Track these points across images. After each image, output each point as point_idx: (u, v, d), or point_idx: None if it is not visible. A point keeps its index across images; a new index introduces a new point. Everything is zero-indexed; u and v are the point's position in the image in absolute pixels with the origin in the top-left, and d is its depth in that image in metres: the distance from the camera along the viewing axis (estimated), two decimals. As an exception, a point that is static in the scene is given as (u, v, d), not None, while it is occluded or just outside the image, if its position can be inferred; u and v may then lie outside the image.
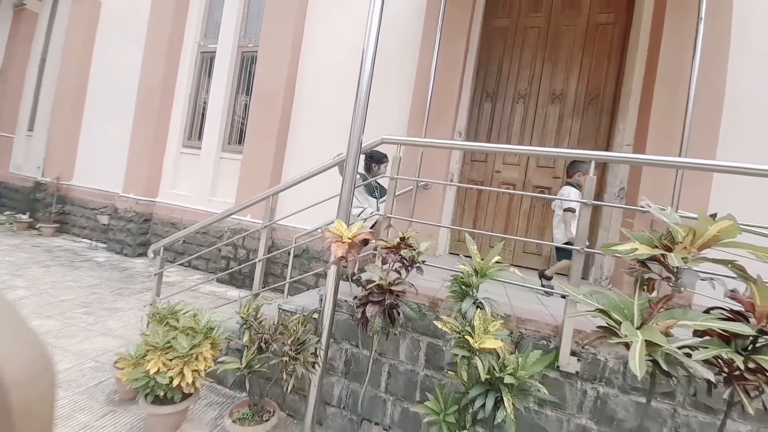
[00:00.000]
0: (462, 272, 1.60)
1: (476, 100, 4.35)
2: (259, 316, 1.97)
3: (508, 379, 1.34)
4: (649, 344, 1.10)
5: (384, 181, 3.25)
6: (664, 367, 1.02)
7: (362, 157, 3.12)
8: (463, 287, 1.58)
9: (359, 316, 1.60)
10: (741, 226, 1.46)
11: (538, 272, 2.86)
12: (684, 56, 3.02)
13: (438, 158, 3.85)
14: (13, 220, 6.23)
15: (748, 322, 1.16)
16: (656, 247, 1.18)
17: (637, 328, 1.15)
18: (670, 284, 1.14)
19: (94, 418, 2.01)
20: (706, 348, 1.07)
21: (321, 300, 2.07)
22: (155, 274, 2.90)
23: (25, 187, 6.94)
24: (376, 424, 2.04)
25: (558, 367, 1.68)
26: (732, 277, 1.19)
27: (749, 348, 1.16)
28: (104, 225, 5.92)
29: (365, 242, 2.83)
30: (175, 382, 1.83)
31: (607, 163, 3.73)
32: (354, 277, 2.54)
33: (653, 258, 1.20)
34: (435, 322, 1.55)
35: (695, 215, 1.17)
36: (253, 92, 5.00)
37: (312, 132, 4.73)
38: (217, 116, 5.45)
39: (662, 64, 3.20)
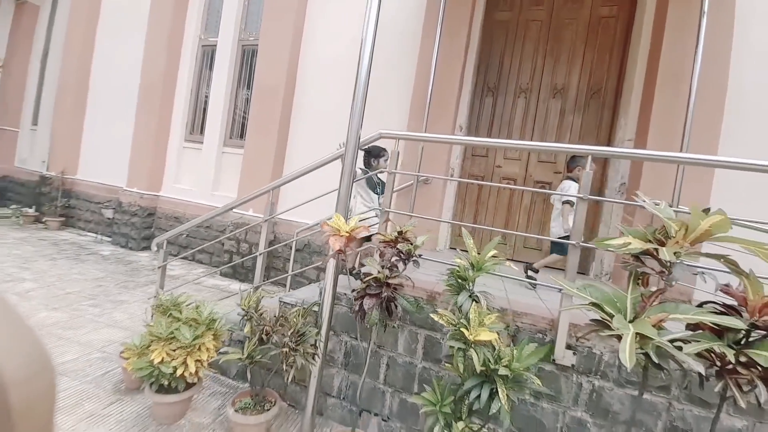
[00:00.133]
0: (458, 266, 1.62)
1: (477, 94, 4.33)
2: (259, 308, 2.01)
3: (502, 371, 1.37)
4: (642, 337, 1.12)
5: (385, 177, 3.26)
6: (655, 359, 1.04)
7: (361, 153, 3.14)
8: (460, 281, 1.60)
9: (357, 308, 1.63)
10: (732, 221, 1.47)
11: (525, 265, 2.85)
12: (686, 51, 2.99)
13: (438, 153, 3.85)
14: (19, 214, 6.32)
15: (741, 316, 1.18)
16: (649, 241, 1.19)
17: (630, 322, 1.17)
18: (663, 278, 1.15)
19: (101, 407, 2.07)
20: (697, 341, 1.09)
21: (321, 293, 2.10)
22: (158, 267, 2.95)
23: (31, 181, 7.02)
24: (376, 414, 2.09)
25: (554, 360, 1.70)
26: (726, 272, 1.20)
27: (742, 342, 1.17)
28: (109, 219, 5.99)
29: (367, 238, 2.86)
30: (179, 372, 1.88)
31: (607, 158, 3.72)
32: (354, 271, 2.58)
33: (647, 252, 1.21)
34: (432, 314, 1.57)
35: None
36: (253, 86, 5.01)
37: (313, 126, 4.74)
38: (219, 110, 5.47)
39: (664, 58, 3.17)
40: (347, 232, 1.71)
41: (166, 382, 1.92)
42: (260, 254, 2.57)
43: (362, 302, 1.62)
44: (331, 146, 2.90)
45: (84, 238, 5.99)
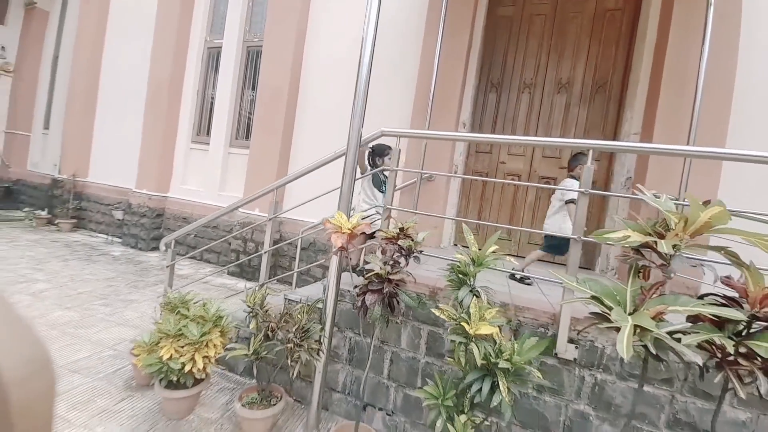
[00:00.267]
0: (459, 262, 1.64)
1: (481, 90, 4.32)
2: (264, 305, 2.04)
3: (503, 364, 1.38)
4: (642, 330, 1.12)
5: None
6: (653, 350, 1.04)
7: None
8: (461, 276, 1.61)
9: (359, 304, 1.65)
10: (736, 213, 1.46)
11: (509, 275, 2.67)
12: (693, 43, 2.94)
13: (442, 150, 3.86)
14: (32, 216, 6.47)
15: (742, 307, 1.17)
16: (649, 234, 1.19)
17: (630, 314, 1.17)
18: (663, 271, 1.15)
19: (112, 402, 2.12)
20: (696, 333, 1.09)
21: (325, 290, 2.13)
22: (167, 266, 3.01)
23: (43, 184, 7.18)
24: (380, 409, 2.11)
25: (556, 354, 1.71)
26: (727, 264, 1.19)
27: (743, 333, 1.17)
28: (119, 220, 6.10)
29: (371, 235, 2.89)
30: (187, 368, 1.92)
31: (612, 152, 3.69)
32: (358, 268, 2.60)
33: (647, 245, 1.21)
34: (433, 310, 1.59)
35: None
36: (258, 87, 5.05)
37: (317, 125, 4.77)
38: (225, 111, 5.54)
39: (671, 51, 3.13)
40: (349, 229, 1.73)
41: (174, 378, 1.97)
42: (265, 253, 2.60)
43: (364, 298, 1.64)
44: (335, 145, 2.92)
45: (95, 239, 6.12)
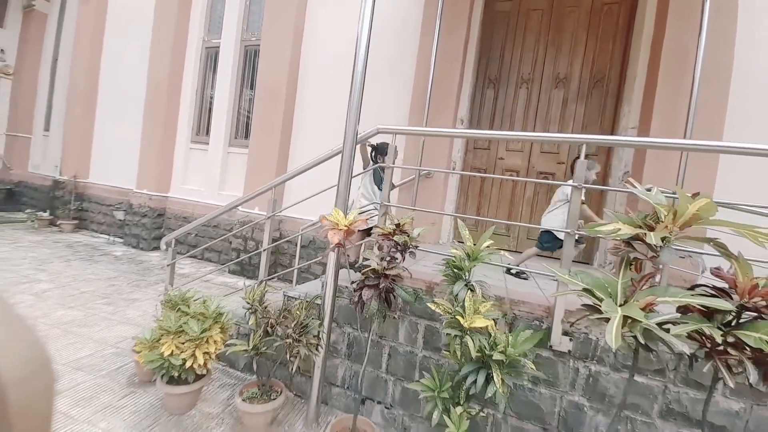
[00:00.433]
0: (455, 256, 1.65)
1: (478, 86, 4.32)
2: (263, 301, 2.07)
3: (497, 356, 1.40)
4: (633, 321, 1.14)
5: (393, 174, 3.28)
6: (642, 341, 1.06)
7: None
8: (456, 271, 1.63)
9: (356, 299, 1.67)
10: (731, 206, 1.47)
11: (505, 270, 2.72)
12: (690, 36, 2.94)
13: (440, 147, 3.87)
14: (34, 218, 6.52)
15: (731, 298, 1.19)
16: (640, 227, 1.21)
17: (620, 306, 1.19)
18: (653, 263, 1.17)
19: (116, 399, 2.16)
20: (685, 323, 1.11)
21: (323, 286, 2.15)
22: (168, 265, 3.04)
23: (44, 185, 7.22)
24: (379, 402, 2.14)
25: (551, 346, 1.73)
26: (718, 255, 1.21)
27: (732, 323, 1.19)
28: (120, 220, 6.14)
29: (369, 232, 2.90)
30: (188, 364, 1.95)
31: (611, 147, 3.69)
32: (357, 265, 2.62)
33: (637, 238, 1.23)
34: (429, 304, 1.61)
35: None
36: (256, 86, 5.06)
37: (315, 123, 4.79)
38: (223, 111, 5.56)
39: (667, 44, 3.13)
40: (346, 225, 1.75)
41: (176, 374, 2.00)
42: (264, 250, 2.63)
43: (361, 293, 1.67)
44: (333, 143, 2.93)
45: (97, 239, 6.16)
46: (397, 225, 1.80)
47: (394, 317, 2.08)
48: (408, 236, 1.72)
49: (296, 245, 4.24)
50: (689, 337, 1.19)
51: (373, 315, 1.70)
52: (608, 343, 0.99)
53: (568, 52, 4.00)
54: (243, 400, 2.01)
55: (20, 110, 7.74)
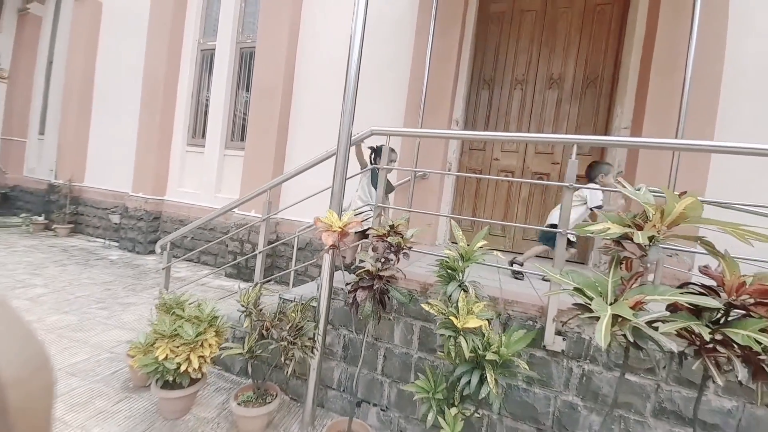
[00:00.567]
0: (448, 257, 1.66)
1: (473, 87, 4.34)
2: (258, 304, 2.07)
3: (490, 357, 1.40)
4: (622, 319, 1.15)
5: (391, 177, 3.29)
6: (631, 339, 1.07)
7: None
8: (449, 271, 1.64)
9: (351, 300, 1.68)
10: (721, 204, 1.48)
11: (511, 259, 2.79)
12: (681, 36, 2.97)
13: (435, 148, 3.88)
14: (29, 222, 6.48)
15: (719, 296, 1.20)
16: (628, 226, 1.22)
17: (610, 305, 1.20)
18: (642, 262, 1.18)
19: (110, 404, 2.15)
20: (674, 321, 1.12)
21: (318, 288, 2.15)
22: (163, 269, 3.03)
23: (39, 189, 7.19)
24: (374, 405, 2.14)
25: (544, 346, 1.73)
26: (703, 253, 1.22)
27: (721, 321, 1.20)
28: (116, 224, 6.12)
29: (366, 234, 2.90)
30: (183, 368, 1.95)
31: (605, 147, 3.72)
32: (353, 266, 2.62)
33: (627, 237, 1.24)
34: (423, 305, 1.61)
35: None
36: (252, 88, 5.07)
37: (312, 125, 4.79)
38: (219, 114, 5.55)
39: (659, 45, 3.16)
40: (340, 227, 1.75)
41: (171, 378, 1.99)
42: (259, 253, 2.62)
43: (355, 295, 1.67)
44: (329, 144, 2.94)
45: (92, 243, 6.13)
46: (392, 226, 1.80)
47: (389, 319, 2.08)
48: (402, 237, 1.73)
49: (293, 247, 4.24)
50: (679, 335, 1.20)
51: (367, 316, 1.70)
52: (597, 342, 1.00)
53: (561, 53, 4.03)
54: (238, 404, 2.00)
55: (15, 114, 7.71)
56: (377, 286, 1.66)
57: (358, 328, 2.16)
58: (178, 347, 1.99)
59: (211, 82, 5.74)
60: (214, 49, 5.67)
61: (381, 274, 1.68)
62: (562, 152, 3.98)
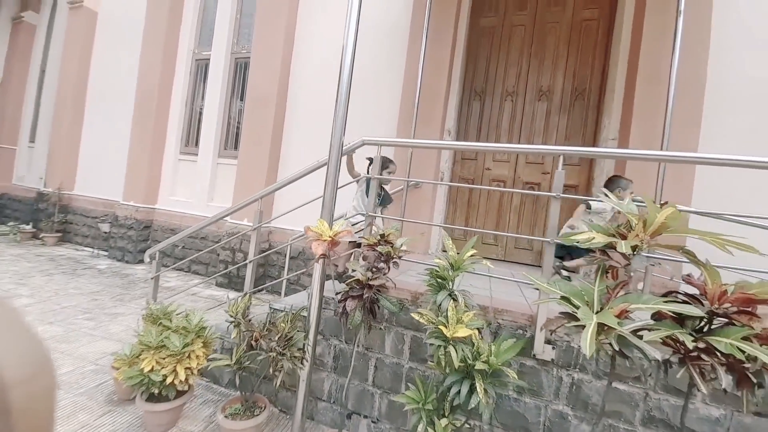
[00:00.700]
0: (438, 266, 1.67)
1: (465, 98, 4.41)
2: (247, 314, 2.04)
3: (479, 366, 1.40)
4: (608, 328, 1.16)
5: (387, 187, 3.30)
6: (616, 347, 1.08)
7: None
8: (439, 280, 1.64)
9: (341, 310, 1.67)
10: (702, 213, 1.52)
11: (558, 264, 2.87)
12: (664, 50, 3.07)
13: (428, 157, 3.92)
14: (16, 231, 6.36)
15: (702, 304, 1.22)
16: (613, 236, 1.24)
17: (596, 313, 1.21)
18: (626, 270, 1.20)
19: (93, 417, 2.09)
20: (658, 329, 1.13)
21: (308, 298, 2.14)
22: (151, 278, 2.99)
23: (28, 197, 7.08)
24: (365, 416, 2.11)
25: (534, 355, 1.73)
26: (686, 262, 1.24)
27: (704, 329, 1.21)
28: (105, 233, 6.03)
29: (359, 244, 2.89)
30: (169, 380, 1.91)
31: (593, 158, 3.79)
32: (344, 276, 2.61)
33: (611, 246, 1.26)
34: (413, 314, 1.61)
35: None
36: (246, 97, 5.09)
37: (305, 134, 4.81)
38: (213, 122, 5.56)
39: (643, 58, 3.26)
40: (330, 236, 1.76)
41: (156, 391, 1.95)
42: (250, 262, 2.61)
43: (345, 304, 1.66)
44: (323, 154, 2.96)
45: (81, 253, 6.03)
46: (382, 236, 1.81)
47: (380, 328, 2.07)
48: (392, 246, 1.73)
49: (285, 256, 4.21)
50: (664, 343, 1.21)
51: (357, 326, 1.70)
52: (582, 350, 1.01)
53: (550, 66, 4.12)
54: (225, 416, 1.96)
55: (6, 121, 7.63)
56: (367, 295, 1.66)
57: (349, 338, 2.14)
58: (164, 359, 1.96)
59: (205, 91, 5.76)
60: (209, 59, 5.71)
61: (371, 283, 1.68)
62: (552, 162, 4.04)
